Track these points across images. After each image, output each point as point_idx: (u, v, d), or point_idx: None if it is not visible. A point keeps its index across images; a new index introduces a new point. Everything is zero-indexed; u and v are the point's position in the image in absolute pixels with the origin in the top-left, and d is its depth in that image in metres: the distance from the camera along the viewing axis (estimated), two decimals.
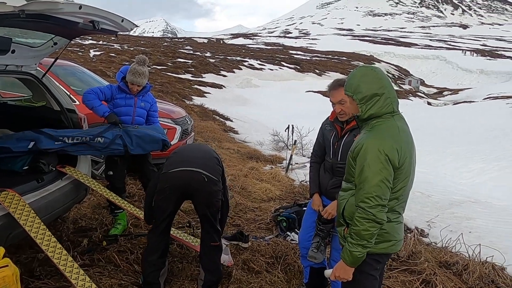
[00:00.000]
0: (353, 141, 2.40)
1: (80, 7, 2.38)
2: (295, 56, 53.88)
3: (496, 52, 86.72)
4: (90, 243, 3.34)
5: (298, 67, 42.51)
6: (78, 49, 31.33)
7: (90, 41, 37.23)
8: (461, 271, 3.62)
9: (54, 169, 3.27)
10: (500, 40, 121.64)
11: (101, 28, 2.78)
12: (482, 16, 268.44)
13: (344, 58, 58.66)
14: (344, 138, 2.56)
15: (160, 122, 4.77)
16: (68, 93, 4.70)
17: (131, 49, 37.17)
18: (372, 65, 2.02)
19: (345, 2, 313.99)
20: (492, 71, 60.68)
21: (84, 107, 3.66)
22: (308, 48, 78.67)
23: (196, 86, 23.97)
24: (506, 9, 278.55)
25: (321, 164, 2.79)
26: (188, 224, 3.78)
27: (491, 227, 5.53)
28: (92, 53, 30.66)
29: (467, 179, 10.09)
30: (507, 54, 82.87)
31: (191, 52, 43.37)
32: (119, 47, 36.76)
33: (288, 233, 3.89)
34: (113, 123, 3.50)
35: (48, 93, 3.52)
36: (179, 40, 77.53)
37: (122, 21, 2.89)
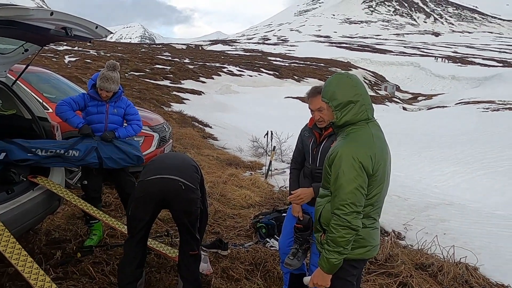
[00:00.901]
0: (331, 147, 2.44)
1: (52, 14, 2.32)
2: (274, 62, 54.31)
3: (467, 59, 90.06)
4: (63, 255, 3.24)
5: (277, 73, 42.83)
6: (52, 55, 30.56)
7: (65, 47, 36.39)
8: (436, 273, 3.71)
9: (25, 179, 3.16)
10: (470, 48, 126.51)
11: (74, 34, 2.73)
12: (452, 24, 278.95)
13: (322, 64, 59.53)
14: (323, 144, 2.59)
15: None
16: (41, 101, 4.57)
17: (108, 55, 36.54)
18: (348, 73, 2.06)
19: (322, 10, 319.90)
20: (463, 77, 62.94)
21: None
22: (287, 54, 79.48)
23: (174, 93, 23.77)
24: (475, 18, 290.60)
25: (300, 170, 2.82)
26: (166, 233, 3.73)
27: (464, 229, 5.70)
28: (67, 59, 29.96)
29: (441, 182, 10.38)
30: (476, 60, 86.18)
31: (170, 58, 43.04)
32: (95, 53, 36.09)
33: (267, 239, 3.89)
34: (87, 135, 3.43)
35: (19, 100, 3.41)
36: (157, 46, 76.81)
37: (96, 27, 2.84)
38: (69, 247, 3.37)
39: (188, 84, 28.64)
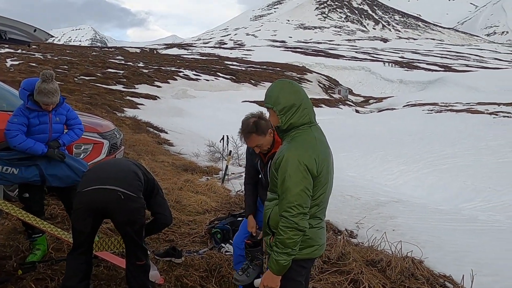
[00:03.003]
0: None
1: None
2: (231, 66, 54.41)
3: (413, 63, 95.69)
4: (2, 274, 3.01)
5: (234, 78, 42.95)
6: None
7: (7, 50, 34.05)
8: (385, 268, 3.88)
9: None
10: (415, 53, 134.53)
11: (9, 38, 2.57)
12: (399, 31, 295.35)
13: (278, 68, 60.56)
14: (269, 164, 2.62)
15: (86, 137, 4.50)
16: None
17: (55, 58, 34.69)
18: (289, 79, 2.15)
19: (277, 16, 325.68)
20: (410, 81, 66.75)
21: None
22: (243, 58, 79.95)
23: (128, 98, 23.08)
24: (419, 25, 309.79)
25: (254, 185, 2.84)
26: None
27: (411, 224, 6.01)
28: (9, 62, 28.08)
29: (391, 180, 10.92)
30: (421, 65, 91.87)
31: (123, 62, 41.71)
32: (41, 57, 34.11)
33: (222, 244, 3.87)
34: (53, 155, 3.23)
35: None
36: (110, 49, 74.19)
37: (35, 31, 2.70)
38: (9, 264, 3.15)
39: (142, 88, 27.94)
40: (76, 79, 25.26)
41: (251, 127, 2.46)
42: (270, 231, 2.05)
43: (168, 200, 5.30)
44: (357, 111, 38.67)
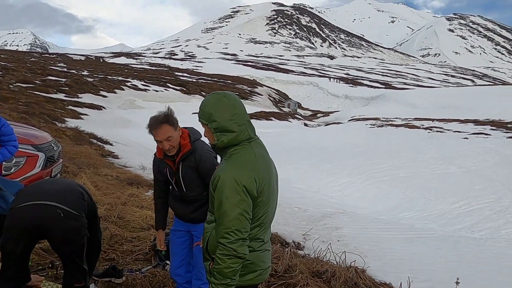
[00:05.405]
0: (191, 170, 2.42)
1: None
2: (181, 78, 53.77)
3: (357, 80, 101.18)
4: None
5: (185, 89, 42.47)
6: None
7: None
8: (330, 278, 3.96)
9: None
10: (359, 71, 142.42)
11: None
12: (344, 49, 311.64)
13: (229, 81, 60.91)
14: (180, 171, 2.50)
15: (18, 149, 4.17)
16: None
17: None
18: (226, 92, 1.94)
19: (228, 29, 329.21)
20: (355, 96, 70.31)
21: None
22: (194, 70, 79.42)
23: (70, 107, 21.88)
24: (362, 45, 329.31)
25: (166, 198, 2.73)
26: (50, 265, 3.32)
27: (354, 235, 6.24)
28: None
29: (337, 192, 11.30)
30: (365, 82, 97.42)
31: (65, 69, 39.58)
32: None
33: (167, 261, 3.73)
34: None
35: None
36: (51, 55, 70.15)
37: None
38: None
39: (86, 98, 26.65)
40: (11, 86, 23.48)
41: (163, 118, 2.37)
42: (210, 257, 1.89)
43: (110, 216, 5.03)
44: (305, 125, 39.82)
